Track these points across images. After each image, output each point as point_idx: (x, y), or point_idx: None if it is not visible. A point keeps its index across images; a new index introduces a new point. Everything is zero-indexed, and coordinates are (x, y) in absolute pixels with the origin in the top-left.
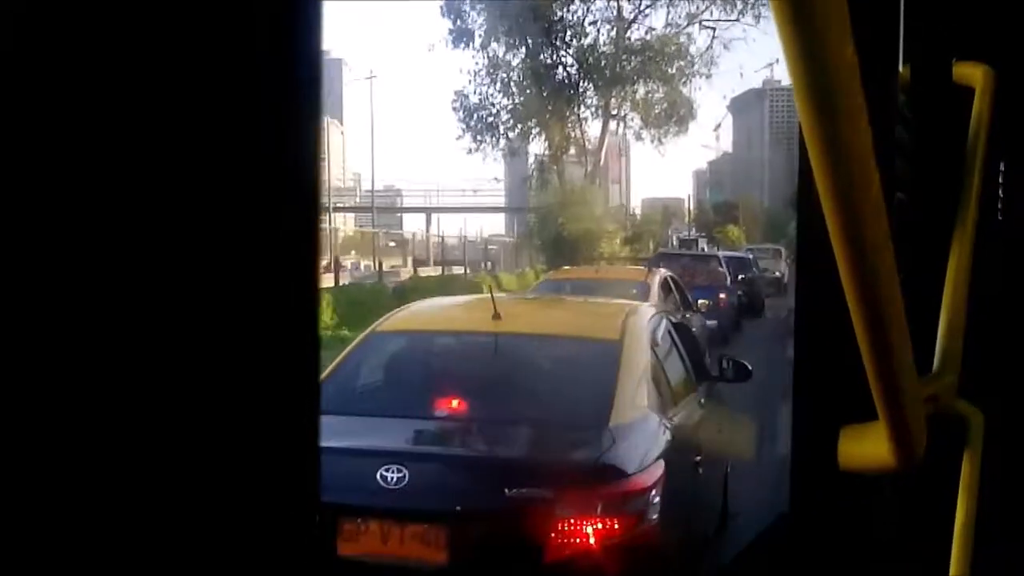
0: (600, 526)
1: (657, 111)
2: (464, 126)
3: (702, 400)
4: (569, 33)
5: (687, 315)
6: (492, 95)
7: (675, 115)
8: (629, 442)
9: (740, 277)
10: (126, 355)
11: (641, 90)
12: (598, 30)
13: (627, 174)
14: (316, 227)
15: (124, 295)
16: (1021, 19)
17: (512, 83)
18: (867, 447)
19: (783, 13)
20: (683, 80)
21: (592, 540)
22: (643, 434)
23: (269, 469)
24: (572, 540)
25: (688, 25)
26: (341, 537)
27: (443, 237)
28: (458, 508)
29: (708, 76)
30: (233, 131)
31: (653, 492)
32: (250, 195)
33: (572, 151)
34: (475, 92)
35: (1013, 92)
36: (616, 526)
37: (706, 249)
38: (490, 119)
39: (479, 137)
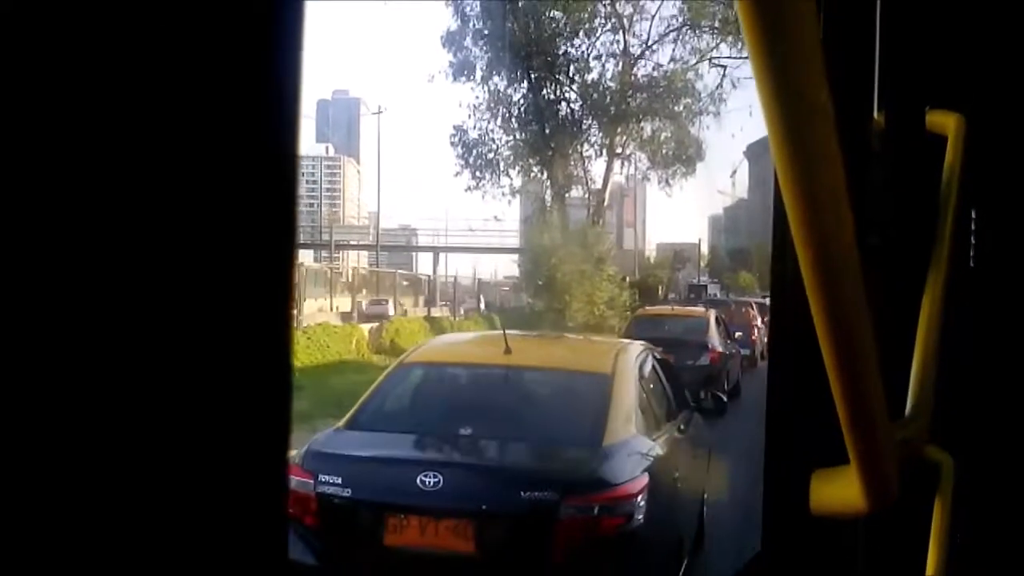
0: (595, 524)
1: (664, 151)
2: (463, 162)
3: (682, 427)
4: (573, 68)
5: (729, 342)
6: (492, 130)
7: (683, 155)
8: (619, 458)
9: (764, 319)
10: (97, 366)
11: (647, 128)
12: (603, 65)
13: (642, 218)
14: (291, 259)
15: (93, 310)
16: (993, 70)
17: (513, 119)
18: (839, 491)
19: (758, 59)
20: (690, 118)
21: (589, 535)
22: (631, 452)
23: (239, 488)
24: (573, 535)
25: (697, 63)
26: (387, 531)
27: (455, 277)
28: (483, 507)
29: (716, 114)
30: (208, 152)
31: (639, 498)
32: (222, 220)
33: (576, 191)
34: (475, 127)
35: (985, 141)
36: (609, 524)
37: (718, 295)
38: (490, 155)
39: (478, 174)
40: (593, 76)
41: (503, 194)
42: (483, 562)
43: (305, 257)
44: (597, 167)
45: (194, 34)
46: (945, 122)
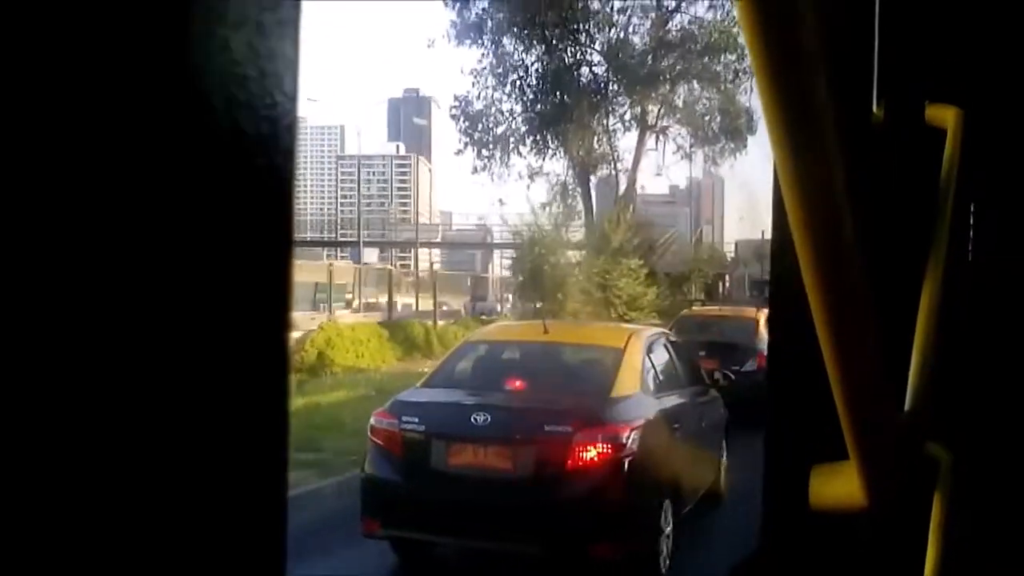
0: (600, 449)
1: (707, 120)
2: (467, 139)
3: (691, 393)
4: (592, 24)
5: None
6: (500, 100)
7: (730, 127)
8: (622, 406)
9: None
10: (90, 368)
11: (683, 94)
12: (629, 20)
13: (720, 213)
14: (288, 261)
15: (88, 307)
16: (992, 63)
17: (526, 86)
18: (838, 486)
19: (758, 53)
20: (734, 80)
21: (595, 457)
22: (632, 403)
23: (237, 492)
24: (583, 456)
25: None
26: (450, 454)
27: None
28: (518, 437)
29: None
30: (204, 154)
31: (633, 434)
32: (218, 223)
33: (603, 171)
34: (479, 97)
35: (984, 135)
36: (609, 449)
37: None
38: (498, 129)
39: (485, 152)
40: (617, 33)
41: (520, 176)
42: (518, 476)
43: (370, 257)
44: (626, 142)
45: (187, 32)
46: (944, 116)
